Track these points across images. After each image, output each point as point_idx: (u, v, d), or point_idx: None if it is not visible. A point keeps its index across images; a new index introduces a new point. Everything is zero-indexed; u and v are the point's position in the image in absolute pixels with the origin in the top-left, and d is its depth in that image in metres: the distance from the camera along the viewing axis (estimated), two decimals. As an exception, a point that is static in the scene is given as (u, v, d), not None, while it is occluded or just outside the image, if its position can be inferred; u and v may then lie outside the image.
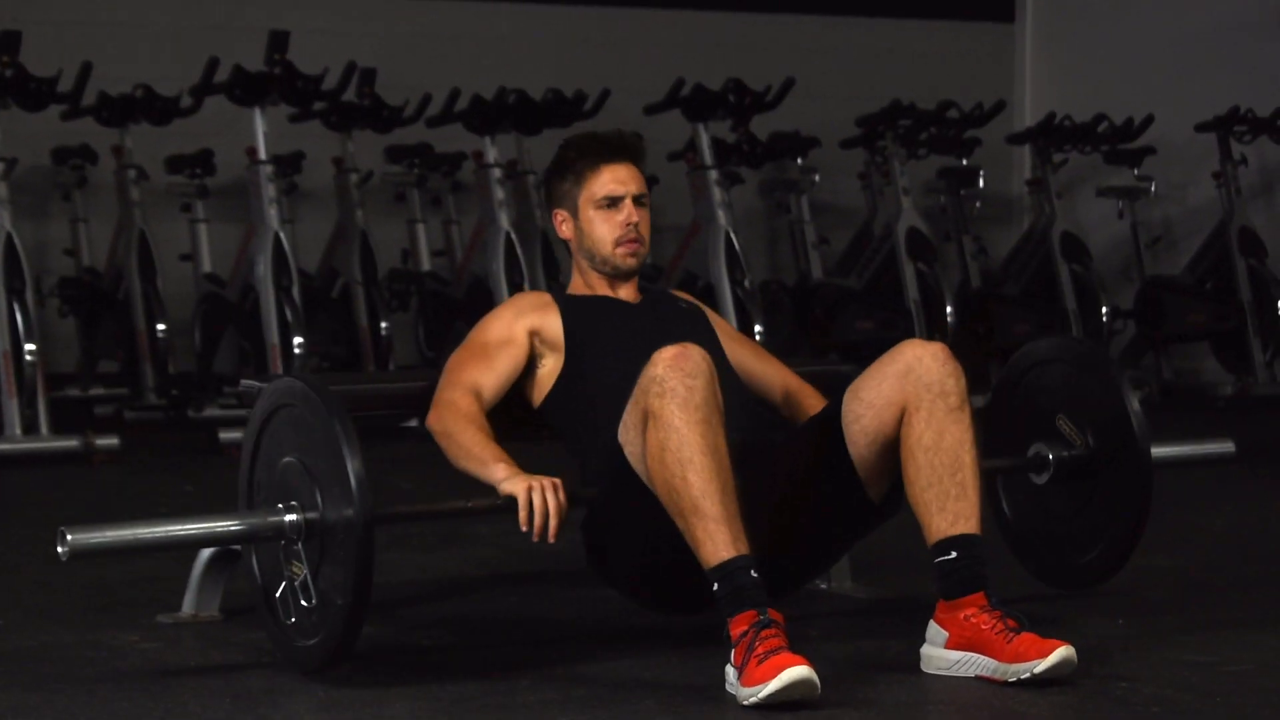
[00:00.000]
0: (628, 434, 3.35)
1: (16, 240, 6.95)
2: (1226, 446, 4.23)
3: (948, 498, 3.37)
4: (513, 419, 3.72)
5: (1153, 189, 9.57)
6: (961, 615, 3.34)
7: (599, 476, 3.51)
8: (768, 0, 10.06)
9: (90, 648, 3.64)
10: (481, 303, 7.88)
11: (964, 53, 10.44)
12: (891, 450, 3.44)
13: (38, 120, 7.61)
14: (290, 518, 3.32)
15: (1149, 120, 9.41)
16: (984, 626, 3.32)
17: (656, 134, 8.77)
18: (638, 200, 3.74)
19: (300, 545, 3.31)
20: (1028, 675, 3.26)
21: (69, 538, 3.25)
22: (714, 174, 8.29)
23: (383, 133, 8.50)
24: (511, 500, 3.37)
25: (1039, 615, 3.50)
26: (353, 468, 3.20)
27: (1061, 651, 3.25)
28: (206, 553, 3.87)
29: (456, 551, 4.83)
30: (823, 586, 4.16)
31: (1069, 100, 9.89)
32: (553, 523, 3.35)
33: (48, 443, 6.79)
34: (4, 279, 6.87)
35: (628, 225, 3.73)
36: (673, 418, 3.23)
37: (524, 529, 3.35)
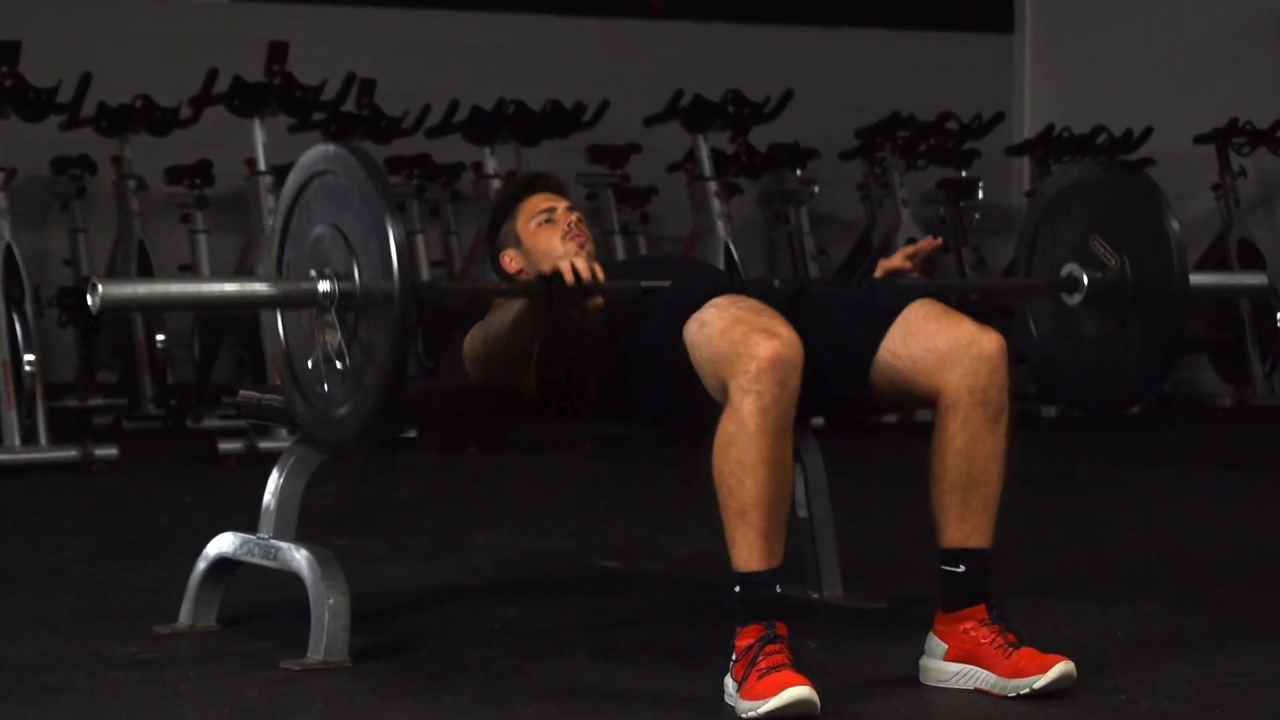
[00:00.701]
0: (696, 333, 3.35)
1: (15, 250, 6.95)
2: (1259, 278, 4.19)
3: (968, 509, 3.37)
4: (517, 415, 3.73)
5: (1152, 201, 9.55)
6: (961, 628, 3.34)
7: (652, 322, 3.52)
8: (767, 11, 10.07)
9: (88, 658, 3.64)
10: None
11: (963, 64, 10.45)
12: (908, 397, 3.45)
13: (37, 130, 7.61)
14: (324, 285, 3.29)
15: (1148, 132, 9.42)
16: (983, 640, 3.32)
17: (655, 145, 8.81)
18: (570, 209, 3.84)
19: (333, 313, 3.28)
20: (1027, 690, 3.26)
21: (100, 288, 3.21)
22: (713, 185, 8.29)
23: (382, 143, 8.49)
24: (549, 277, 3.45)
25: (1037, 625, 3.50)
26: (394, 232, 3.16)
27: (1061, 667, 3.25)
28: (204, 562, 3.87)
29: (454, 561, 4.83)
30: (814, 596, 4.16)
31: (1068, 112, 9.90)
32: (596, 266, 3.45)
33: (46, 452, 6.78)
34: (3, 289, 6.87)
35: (568, 224, 3.80)
36: (749, 419, 3.22)
37: (569, 279, 3.42)
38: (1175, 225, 3.73)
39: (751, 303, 3.38)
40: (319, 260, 3.33)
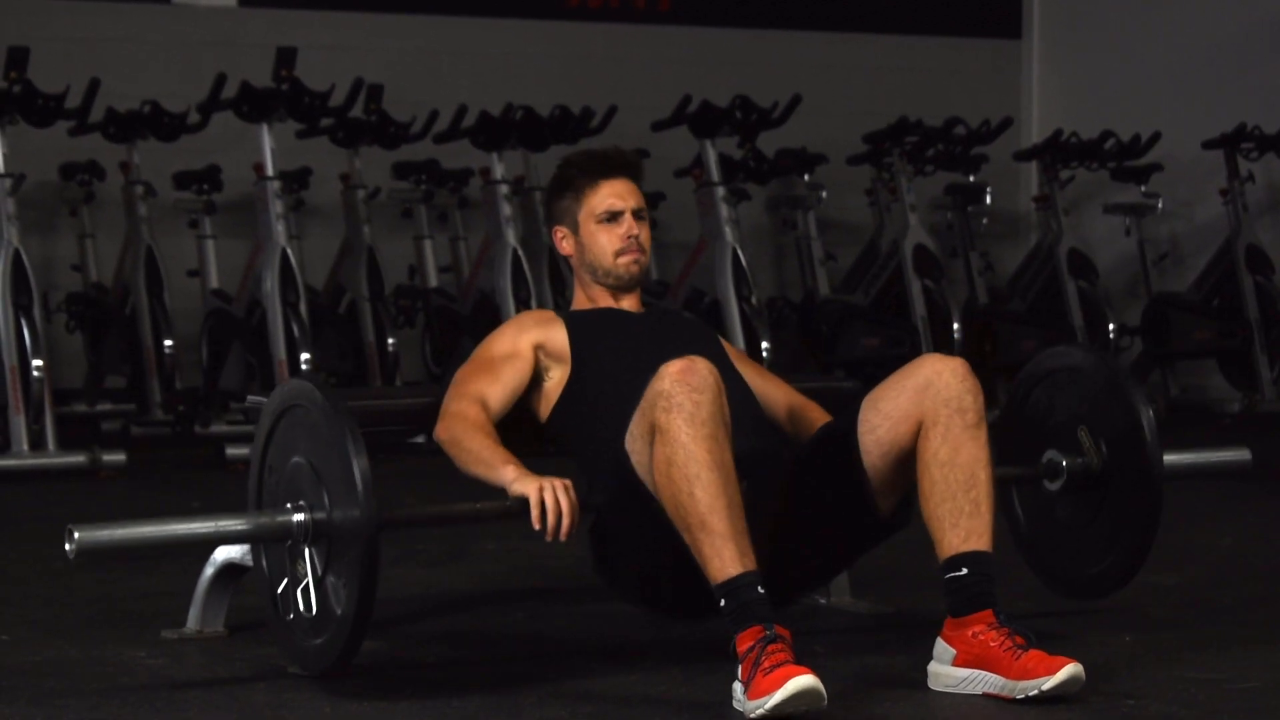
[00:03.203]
0: (634, 444, 3.35)
1: (24, 256, 6.96)
2: (1242, 455, 4.22)
3: (961, 514, 3.37)
4: (522, 436, 3.72)
5: (1160, 206, 9.57)
6: (969, 632, 3.34)
7: (606, 486, 3.51)
8: (774, 17, 10.07)
9: (96, 663, 3.64)
10: (488, 319, 7.88)
11: (971, 69, 10.45)
12: (904, 463, 3.44)
13: (45, 136, 7.62)
14: (298, 517, 3.33)
15: (1156, 137, 9.41)
16: (992, 644, 3.32)
17: (663, 150, 8.80)
18: (637, 214, 3.77)
19: (307, 546, 3.31)
20: (1035, 693, 3.25)
21: (76, 535, 3.28)
22: (721, 190, 8.29)
23: (390, 149, 8.51)
24: (522, 501, 3.38)
25: (1046, 631, 3.50)
26: (359, 469, 3.20)
27: (1069, 669, 3.25)
28: (211, 568, 3.87)
29: (461, 567, 4.83)
30: (822, 602, 4.15)
31: (1076, 117, 9.90)
32: (565, 521, 3.35)
33: (54, 458, 6.79)
34: (11, 294, 6.88)
35: (628, 238, 3.75)
36: (679, 433, 3.23)
37: (536, 527, 3.36)
38: (1151, 416, 3.75)
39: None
40: (295, 492, 3.37)
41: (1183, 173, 9.69)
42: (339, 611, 3.28)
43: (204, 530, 3.40)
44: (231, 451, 6.98)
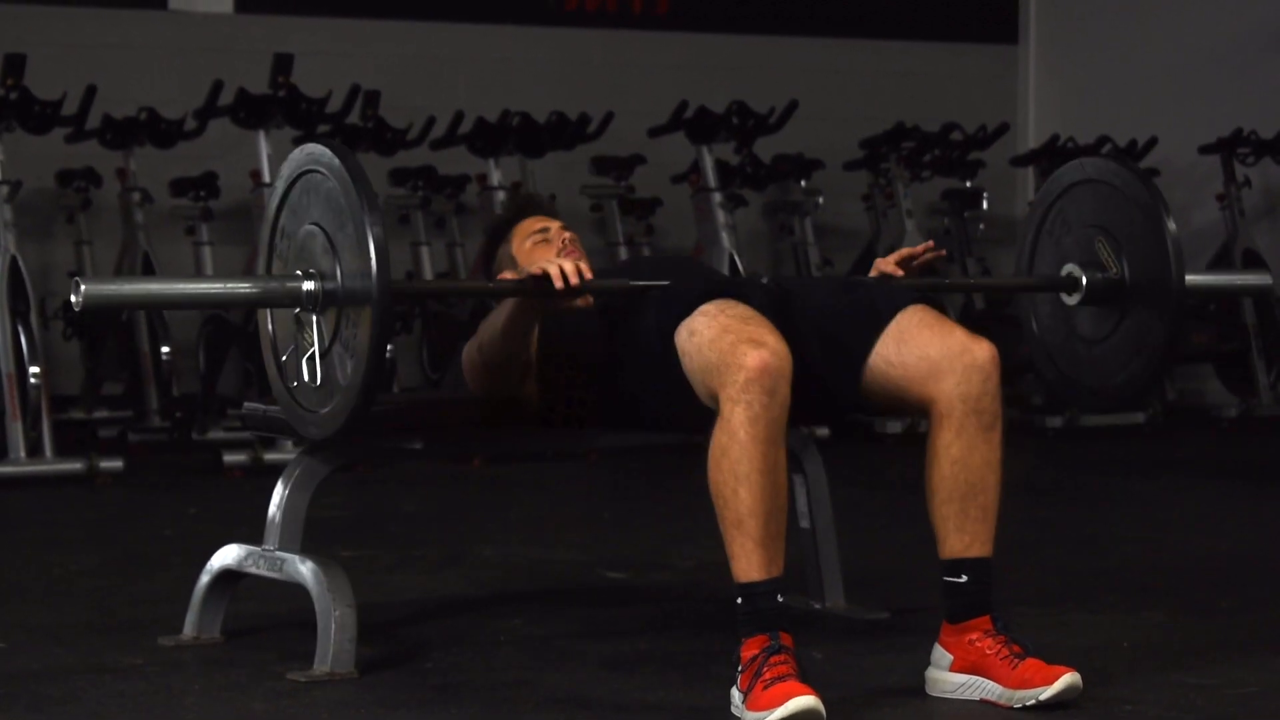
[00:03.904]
0: (689, 344, 3.35)
1: (21, 262, 6.95)
2: (1264, 278, 4.19)
3: (966, 518, 3.37)
4: (523, 421, 3.74)
5: (1157, 211, 9.56)
6: (967, 639, 3.34)
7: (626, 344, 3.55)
8: (771, 23, 10.07)
9: (93, 670, 3.64)
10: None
11: (968, 75, 10.45)
12: (900, 403, 3.46)
13: (42, 143, 7.62)
14: (308, 285, 3.31)
15: (1153, 142, 9.42)
16: (989, 651, 3.32)
17: (660, 156, 8.81)
18: (564, 228, 3.88)
19: (315, 314, 3.29)
20: (1033, 702, 3.25)
21: (83, 287, 3.22)
22: (718, 196, 8.29)
23: (386, 155, 8.50)
24: (534, 276, 3.46)
25: (1043, 635, 3.50)
26: (372, 231, 3.17)
27: (1067, 679, 3.25)
28: (208, 574, 3.87)
29: (460, 572, 4.83)
30: (817, 607, 4.15)
31: (1073, 122, 9.90)
32: (582, 265, 3.45)
33: (52, 465, 6.78)
34: (8, 301, 6.88)
35: (562, 242, 3.83)
36: (739, 429, 3.22)
37: (558, 284, 3.43)
38: (1173, 227, 3.73)
39: (741, 310, 3.38)
40: (305, 260, 3.34)
41: (1179, 177, 9.69)
42: (343, 382, 3.25)
43: (213, 291, 3.38)
44: (229, 458, 6.97)
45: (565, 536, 5.55)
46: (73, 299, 3.23)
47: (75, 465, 6.76)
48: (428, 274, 8.84)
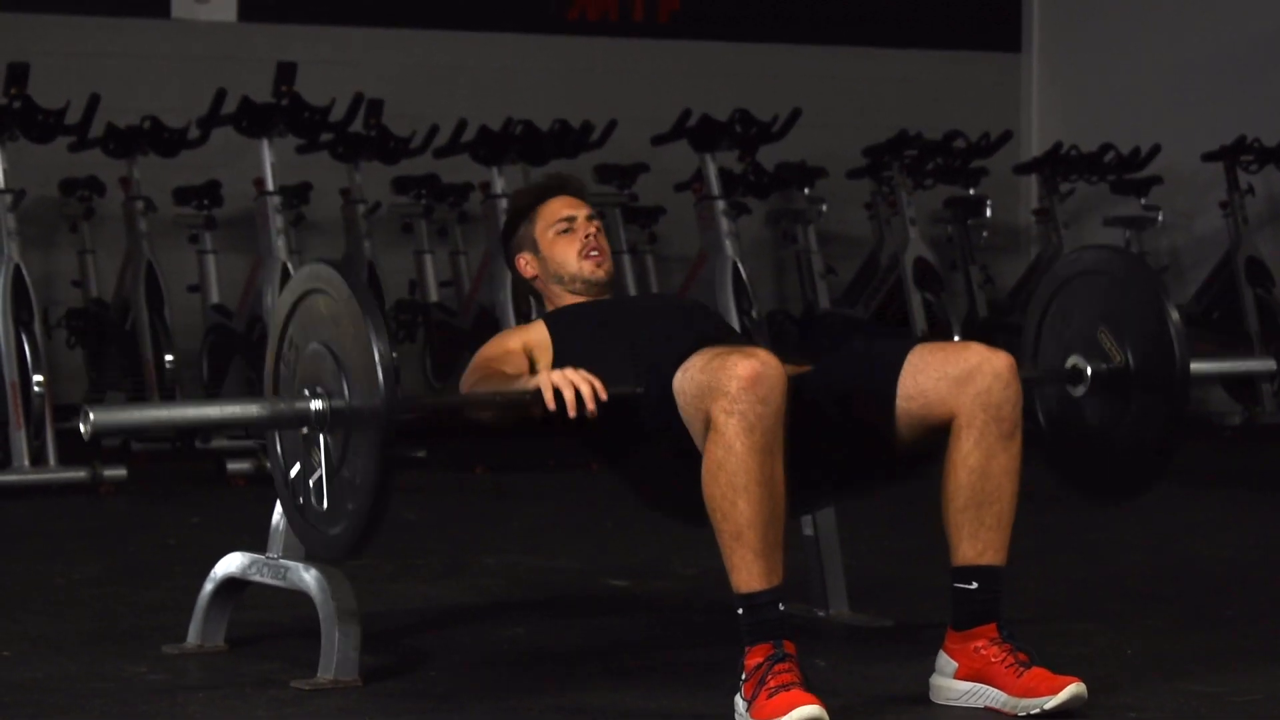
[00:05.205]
0: (683, 380, 3.30)
1: (24, 271, 6.95)
2: (1267, 363, 4.19)
3: (981, 526, 3.37)
4: (525, 442, 3.72)
5: (1160, 219, 9.57)
6: (972, 646, 3.34)
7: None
8: (774, 31, 10.07)
9: (96, 679, 3.63)
10: (488, 333, 7.81)
11: (971, 83, 10.45)
12: (929, 433, 3.42)
13: (45, 152, 7.62)
14: (316, 404, 3.29)
15: (1156, 150, 9.42)
16: (994, 659, 3.32)
17: (663, 164, 8.81)
18: (590, 219, 3.84)
19: (323, 434, 3.27)
20: (1038, 711, 3.25)
21: (92, 416, 3.22)
22: (721, 204, 8.29)
23: (390, 164, 8.50)
24: (537, 392, 3.37)
25: (1049, 643, 3.50)
26: (380, 355, 3.16)
27: (1072, 688, 3.25)
28: (211, 583, 3.87)
29: (463, 581, 4.82)
30: (821, 615, 4.15)
31: (1076, 130, 9.90)
32: (585, 389, 3.33)
33: (55, 473, 6.78)
34: (12, 310, 6.87)
35: (586, 237, 3.80)
36: (735, 441, 3.21)
37: (552, 407, 3.34)
38: (1176, 316, 3.74)
39: (732, 342, 3.40)
40: (312, 379, 3.32)
41: (1183, 185, 9.69)
42: (351, 506, 3.24)
43: (220, 414, 3.36)
44: (232, 466, 6.97)
45: (567, 545, 5.54)
46: (82, 428, 3.24)
47: (79, 474, 6.75)
48: (431, 282, 8.85)
